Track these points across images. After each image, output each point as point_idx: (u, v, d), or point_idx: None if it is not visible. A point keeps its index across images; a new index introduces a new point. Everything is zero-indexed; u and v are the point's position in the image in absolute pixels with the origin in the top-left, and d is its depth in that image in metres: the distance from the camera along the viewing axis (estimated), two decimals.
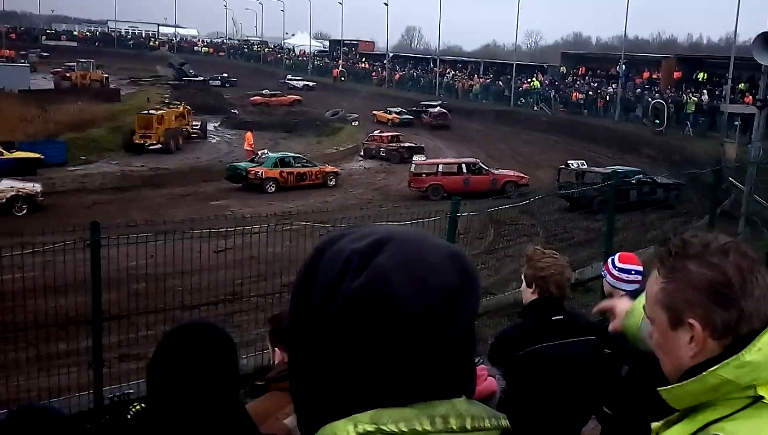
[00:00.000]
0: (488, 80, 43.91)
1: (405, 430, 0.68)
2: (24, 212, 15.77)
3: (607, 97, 34.31)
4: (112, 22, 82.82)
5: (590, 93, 35.65)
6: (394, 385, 0.69)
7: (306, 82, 50.33)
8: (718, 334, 0.96)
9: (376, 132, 28.91)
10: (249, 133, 26.11)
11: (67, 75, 44.15)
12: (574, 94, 36.19)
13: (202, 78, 49.91)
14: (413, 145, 27.47)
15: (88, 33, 78.74)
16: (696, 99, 29.52)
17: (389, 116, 35.58)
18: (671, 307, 1.00)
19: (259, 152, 23.20)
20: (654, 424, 1.03)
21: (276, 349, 2.10)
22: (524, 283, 2.67)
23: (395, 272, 0.69)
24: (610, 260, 3.02)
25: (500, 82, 42.09)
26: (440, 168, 20.92)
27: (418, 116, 35.69)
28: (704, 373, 0.95)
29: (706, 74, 33.43)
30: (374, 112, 36.94)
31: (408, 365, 0.69)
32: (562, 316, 2.61)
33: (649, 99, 31.10)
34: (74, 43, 69.42)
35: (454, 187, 17.86)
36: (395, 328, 0.68)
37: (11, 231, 8.53)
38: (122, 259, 9.10)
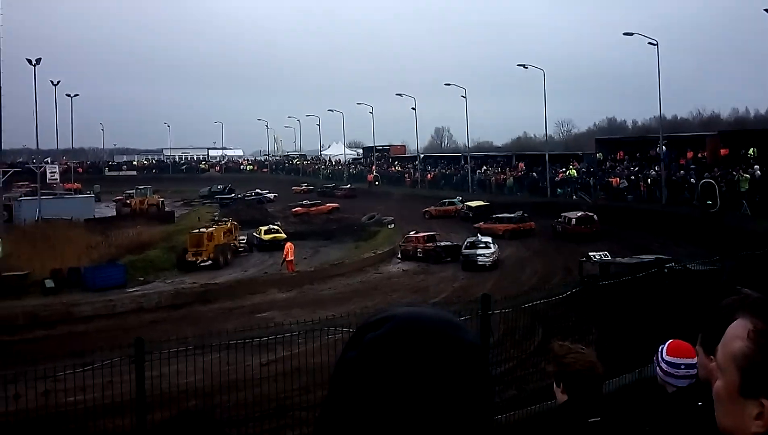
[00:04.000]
0: (521, 173, 44.29)
1: None
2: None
3: (649, 180, 33.48)
4: (166, 149, 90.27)
5: (631, 177, 34.91)
6: None
7: (268, 193, 56.26)
8: None
9: (412, 233, 29.50)
10: (289, 244, 27.51)
11: (128, 202, 47.85)
12: (614, 179, 35.55)
13: (233, 196, 53.78)
14: (450, 243, 27.79)
15: (145, 162, 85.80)
16: (749, 176, 28.16)
17: (300, 188, 58.42)
18: (749, 375, 0.90)
19: None
20: None
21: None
22: (554, 383, 2.50)
23: (375, 348, 0.72)
24: (659, 349, 2.70)
25: (534, 174, 42.11)
26: None
27: (332, 193, 52.25)
28: None
29: (755, 149, 31.58)
30: (293, 187, 58.69)
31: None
32: (599, 418, 2.37)
33: (692, 180, 30.30)
34: (134, 172, 75.64)
35: None
36: (369, 400, 0.70)
37: None
38: (173, 376, 9.95)
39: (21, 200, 41.86)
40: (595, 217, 29.93)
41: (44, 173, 44.57)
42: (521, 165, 45.14)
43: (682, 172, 33.28)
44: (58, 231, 33.07)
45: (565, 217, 30.29)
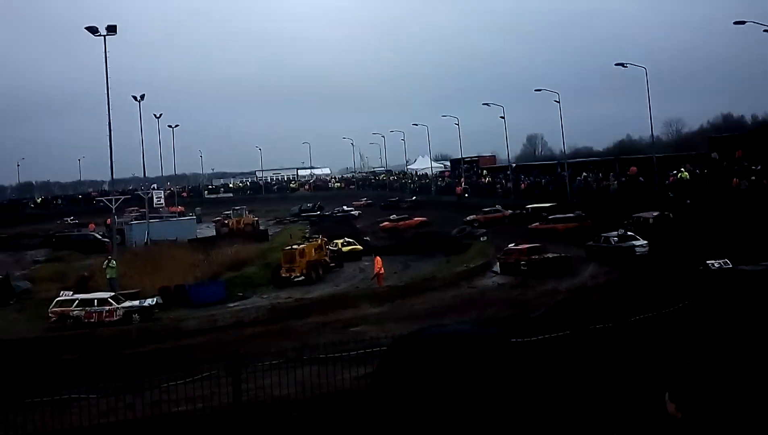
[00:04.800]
0: (625, 178, 41.19)
1: None
2: None
3: None
4: (259, 171, 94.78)
5: (752, 178, 31.58)
6: None
7: (353, 211, 55.36)
8: None
9: (512, 245, 27.64)
10: (378, 258, 27.41)
11: (226, 222, 50.38)
12: (734, 180, 32.34)
13: (318, 213, 55.16)
14: (559, 255, 25.71)
15: (240, 184, 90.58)
16: None
17: (360, 202, 60.97)
18: None
19: None
20: None
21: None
22: (668, 398, 2.48)
23: (397, 362, 0.90)
24: None
25: (641, 178, 39.28)
26: None
27: (397, 205, 53.55)
28: None
29: None
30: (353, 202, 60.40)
31: None
32: None
33: None
34: (230, 194, 79.92)
35: None
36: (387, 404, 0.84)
37: None
38: (270, 388, 9.93)
39: (132, 224, 45.31)
40: (671, 215, 29.44)
41: (151, 199, 47.99)
42: (633, 169, 41.80)
43: None
44: (165, 251, 35.32)
45: (639, 217, 29.86)
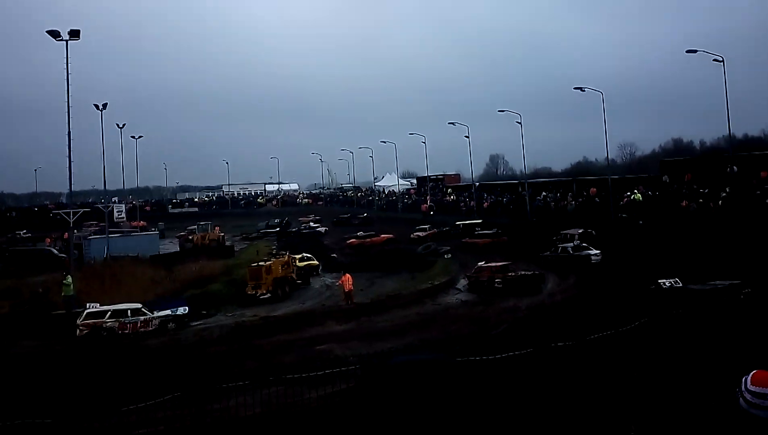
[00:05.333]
0: (581, 199, 42.94)
1: None
2: None
3: (720, 202, 31.95)
4: (226, 186, 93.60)
5: (700, 200, 33.35)
6: None
7: (319, 228, 54.82)
8: None
9: (482, 263, 27.99)
10: (347, 275, 27.47)
11: (190, 237, 49.36)
12: (684, 202, 34.00)
13: (278, 229, 54.93)
14: (533, 273, 26.35)
15: (206, 198, 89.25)
16: None
17: (308, 218, 60.29)
18: None
19: None
20: None
21: None
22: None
23: (387, 371, 1.17)
24: (743, 380, 2.64)
25: (597, 199, 40.91)
26: None
27: (349, 221, 55.29)
28: None
29: None
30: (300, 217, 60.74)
31: None
32: None
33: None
34: (195, 209, 78.56)
35: None
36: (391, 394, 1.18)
37: None
38: (236, 408, 9.92)
39: (90, 239, 44.04)
40: (594, 232, 32.09)
41: (111, 212, 46.74)
42: (593, 190, 43.22)
43: (758, 192, 31.36)
44: (125, 268, 34.44)
45: (566, 234, 32.18)
